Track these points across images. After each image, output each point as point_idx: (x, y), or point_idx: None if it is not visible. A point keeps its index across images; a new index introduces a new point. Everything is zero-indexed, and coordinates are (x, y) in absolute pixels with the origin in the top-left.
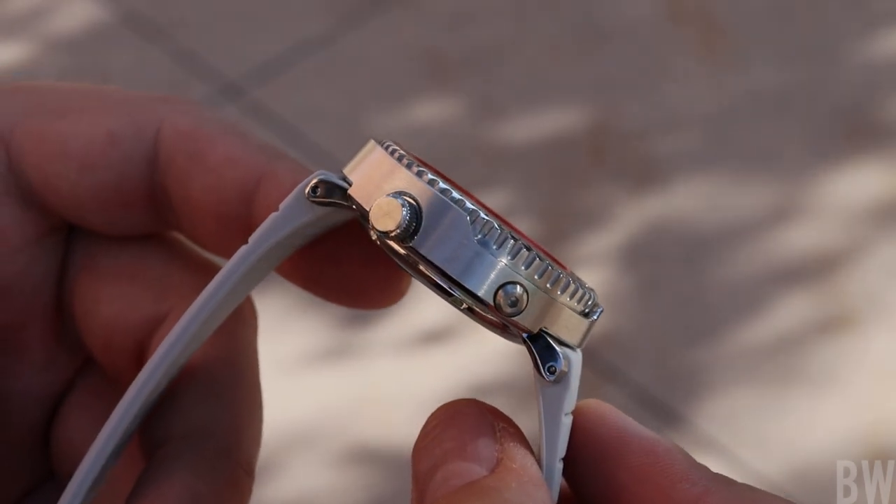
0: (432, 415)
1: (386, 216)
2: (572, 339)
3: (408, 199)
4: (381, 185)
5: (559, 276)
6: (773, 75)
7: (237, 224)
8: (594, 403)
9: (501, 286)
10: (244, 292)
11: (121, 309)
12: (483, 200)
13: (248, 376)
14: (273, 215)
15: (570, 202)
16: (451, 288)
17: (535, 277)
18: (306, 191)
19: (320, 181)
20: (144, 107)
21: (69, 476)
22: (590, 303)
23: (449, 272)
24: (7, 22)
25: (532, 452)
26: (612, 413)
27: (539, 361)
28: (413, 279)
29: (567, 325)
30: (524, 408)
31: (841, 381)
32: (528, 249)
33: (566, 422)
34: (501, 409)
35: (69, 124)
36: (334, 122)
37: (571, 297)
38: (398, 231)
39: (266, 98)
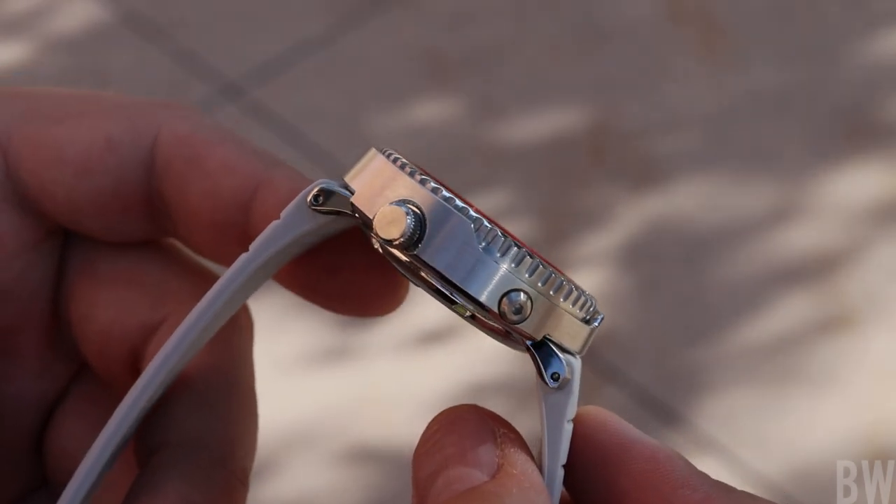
0: (432, 420)
1: (390, 224)
2: (574, 345)
3: (412, 207)
4: (384, 193)
5: (562, 283)
6: (773, 75)
7: (234, 230)
8: (594, 410)
9: (505, 294)
10: (241, 300)
11: (117, 314)
12: (483, 200)
13: (243, 385)
14: (274, 223)
15: (570, 202)
16: (454, 295)
17: (539, 285)
18: (308, 199)
19: (322, 189)
20: (142, 112)
21: (61, 483)
22: (591, 310)
23: (453, 280)
24: (7, 22)
25: (532, 458)
26: (613, 419)
27: (543, 369)
28: (412, 286)
29: (569, 332)
30: (524, 408)
31: (841, 381)
32: (532, 257)
33: (568, 429)
34: (501, 410)
35: (67, 130)
36: (334, 122)
37: (574, 304)
38: (403, 239)
39: (266, 98)
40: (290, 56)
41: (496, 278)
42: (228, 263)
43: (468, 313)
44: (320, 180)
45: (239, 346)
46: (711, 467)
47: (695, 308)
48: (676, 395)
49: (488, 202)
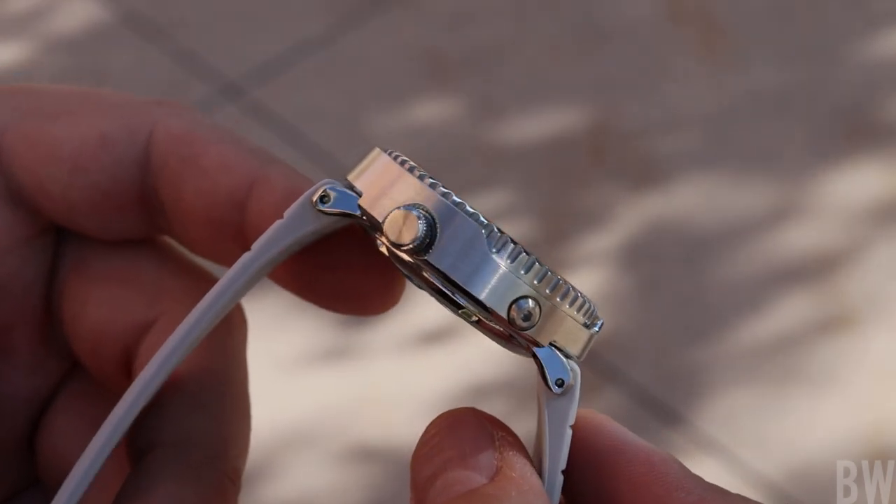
0: (431, 423)
1: (402, 229)
2: (575, 350)
3: (423, 211)
4: (393, 196)
5: (569, 290)
6: (773, 75)
7: (229, 228)
8: (589, 414)
9: (515, 301)
10: (235, 299)
11: (110, 312)
12: (483, 200)
13: (236, 385)
14: (278, 223)
15: (570, 202)
16: (464, 301)
17: (547, 291)
18: (313, 199)
19: (329, 190)
20: (137, 110)
21: (53, 481)
22: (592, 315)
23: (464, 285)
24: (7, 22)
25: (531, 462)
26: (609, 423)
27: (548, 375)
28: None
29: (572, 338)
30: (524, 408)
31: (841, 381)
32: (540, 264)
33: (569, 434)
34: (501, 410)
35: (61, 127)
36: (334, 122)
37: (578, 309)
38: (415, 245)
39: (266, 98)
40: (290, 56)
41: (506, 285)
42: (223, 261)
43: (474, 318)
44: (325, 180)
45: (232, 347)
46: (711, 467)
47: (695, 308)
48: (676, 396)
49: (488, 202)
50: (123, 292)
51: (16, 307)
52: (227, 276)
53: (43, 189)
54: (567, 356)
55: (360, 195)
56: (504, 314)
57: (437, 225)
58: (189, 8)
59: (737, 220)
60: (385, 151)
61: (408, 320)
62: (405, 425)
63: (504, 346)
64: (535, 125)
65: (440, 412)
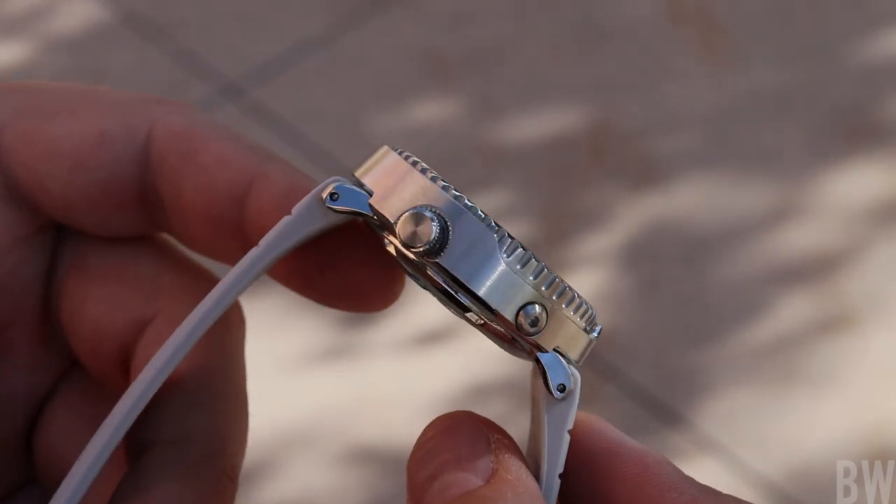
0: (427, 427)
1: (415, 231)
2: (574, 355)
3: (436, 213)
4: (403, 195)
5: (574, 296)
6: (773, 75)
7: (228, 225)
8: (584, 416)
9: (523, 306)
10: (235, 296)
11: (108, 309)
12: (483, 200)
13: (234, 383)
14: (286, 219)
15: (570, 202)
16: (472, 303)
17: (554, 298)
18: (322, 196)
19: (339, 188)
20: (136, 107)
21: (50, 480)
22: (592, 320)
23: (473, 288)
24: (7, 22)
25: (527, 464)
26: (603, 425)
27: (550, 380)
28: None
29: (572, 343)
30: (524, 408)
31: (841, 381)
32: (549, 270)
33: (567, 438)
34: (501, 410)
35: (60, 124)
36: (334, 122)
37: (581, 315)
38: (427, 247)
39: (266, 98)
40: (290, 56)
41: (515, 290)
42: (223, 258)
43: (480, 321)
44: (333, 178)
45: (230, 344)
46: (712, 467)
47: (695, 308)
48: (676, 395)
49: (488, 202)
50: (122, 289)
51: (14, 305)
52: (233, 272)
53: (42, 186)
54: (568, 361)
55: (370, 194)
56: (512, 318)
57: (450, 228)
58: (189, 8)
59: (737, 220)
60: (394, 149)
61: (408, 320)
62: (405, 425)
63: (504, 349)
64: (535, 125)
65: (440, 412)
